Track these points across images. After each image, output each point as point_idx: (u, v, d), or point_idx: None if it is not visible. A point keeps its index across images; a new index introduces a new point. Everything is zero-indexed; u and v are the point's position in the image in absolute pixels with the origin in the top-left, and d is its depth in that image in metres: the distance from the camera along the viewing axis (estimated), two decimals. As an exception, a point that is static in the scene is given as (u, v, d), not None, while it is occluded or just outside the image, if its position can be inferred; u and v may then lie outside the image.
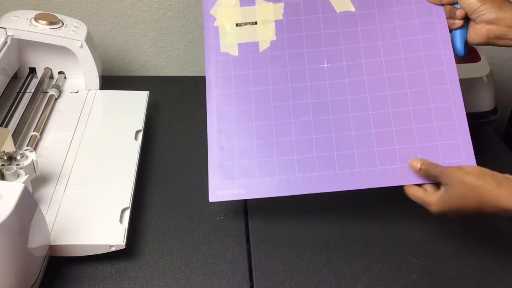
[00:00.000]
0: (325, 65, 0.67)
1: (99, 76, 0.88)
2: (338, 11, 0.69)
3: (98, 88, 0.88)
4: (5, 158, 0.63)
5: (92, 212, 0.64)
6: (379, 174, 0.63)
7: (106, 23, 1.01)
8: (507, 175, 0.58)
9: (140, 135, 0.79)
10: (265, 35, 0.69)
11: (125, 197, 0.67)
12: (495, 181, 0.56)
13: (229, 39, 0.69)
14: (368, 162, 0.63)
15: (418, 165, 0.62)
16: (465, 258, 0.66)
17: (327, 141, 0.64)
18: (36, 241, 0.55)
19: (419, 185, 0.62)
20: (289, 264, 0.64)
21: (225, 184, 0.64)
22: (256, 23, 0.69)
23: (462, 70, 0.85)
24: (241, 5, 0.70)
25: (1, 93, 0.80)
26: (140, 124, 0.80)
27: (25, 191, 0.52)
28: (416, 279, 0.63)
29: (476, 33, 0.67)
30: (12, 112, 0.79)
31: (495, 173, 0.58)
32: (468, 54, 0.88)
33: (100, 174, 0.70)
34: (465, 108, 0.84)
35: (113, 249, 0.60)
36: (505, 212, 0.55)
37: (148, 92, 0.88)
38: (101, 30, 1.02)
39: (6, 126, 0.75)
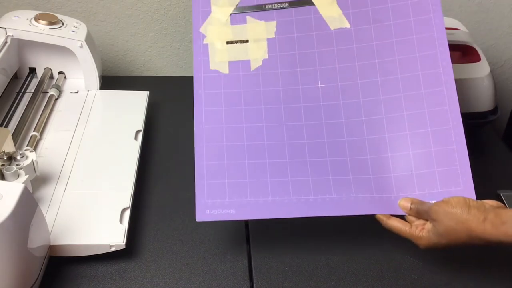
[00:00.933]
0: (319, 85, 0.65)
1: (99, 76, 0.88)
2: (332, 28, 0.67)
3: (98, 88, 0.88)
4: (5, 158, 0.63)
5: (92, 212, 0.64)
6: (375, 202, 0.61)
7: (106, 23, 1.01)
8: (493, 203, 0.58)
9: (140, 135, 0.79)
10: (256, 54, 0.66)
11: (125, 197, 0.67)
12: (481, 214, 0.55)
13: (219, 57, 0.66)
14: (364, 189, 0.61)
15: (408, 204, 0.60)
16: (465, 258, 0.66)
17: (322, 164, 0.61)
18: (36, 241, 0.55)
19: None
20: (289, 264, 0.64)
21: (214, 203, 0.61)
22: (247, 41, 0.67)
23: (462, 70, 0.86)
24: (232, 23, 0.68)
25: (1, 93, 0.80)
26: (140, 124, 0.80)
27: (25, 191, 0.52)
28: (416, 279, 0.63)
29: None
30: (12, 112, 0.79)
31: (481, 203, 0.57)
32: (468, 54, 0.89)
33: (100, 174, 0.70)
34: (465, 108, 0.84)
35: (113, 249, 0.60)
36: (493, 244, 0.55)
37: (148, 92, 0.88)
38: (101, 30, 1.02)
39: (6, 126, 0.75)
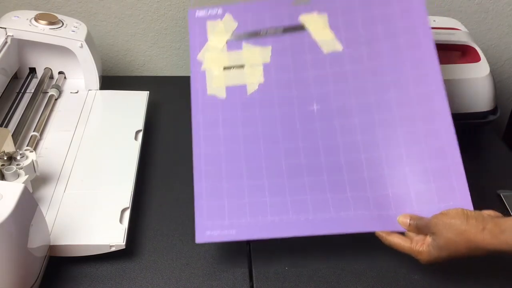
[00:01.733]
0: (315, 107, 0.65)
1: (99, 76, 0.88)
2: (326, 52, 0.68)
3: (98, 88, 0.88)
4: (5, 158, 0.63)
5: (92, 212, 0.64)
6: (375, 219, 0.61)
7: (106, 23, 1.01)
8: (490, 212, 0.58)
9: (140, 135, 0.79)
10: (253, 78, 0.68)
11: (125, 197, 0.67)
12: (480, 223, 0.55)
13: (216, 83, 0.67)
14: (363, 207, 0.61)
15: (407, 220, 0.60)
16: (466, 259, 0.66)
17: (320, 184, 0.61)
18: (36, 241, 0.55)
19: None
20: (289, 264, 0.64)
21: (214, 224, 0.61)
22: (243, 66, 0.68)
23: (462, 70, 0.86)
24: (228, 50, 0.69)
25: (1, 93, 0.80)
26: (140, 124, 0.81)
27: (25, 191, 0.52)
28: (416, 279, 0.63)
29: None
30: (12, 112, 0.79)
31: (479, 213, 0.57)
32: (468, 54, 0.89)
33: (100, 174, 0.70)
34: (465, 108, 0.84)
35: (113, 249, 0.60)
36: (493, 253, 0.55)
37: (148, 92, 0.88)
38: (101, 30, 1.02)
39: (6, 126, 0.75)
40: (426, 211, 0.60)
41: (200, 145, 0.64)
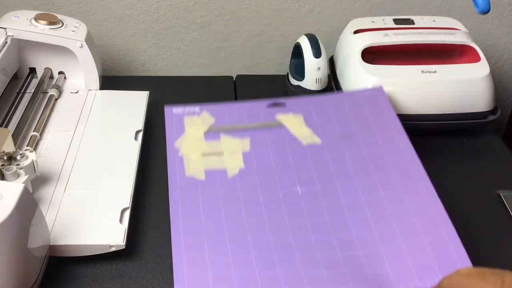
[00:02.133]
0: (298, 189, 0.64)
1: (99, 76, 0.88)
2: (304, 144, 0.70)
3: (98, 88, 0.88)
4: (5, 158, 0.63)
5: (92, 212, 0.64)
6: None
7: (106, 23, 1.01)
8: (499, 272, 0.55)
9: (140, 135, 0.79)
10: (233, 164, 0.67)
11: (125, 197, 0.67)
12: (497, 277, 0.49)
13: (194, 166, 0.67)
14: (363, 283, 0.56)
15: None
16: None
17: (313, 261, 0.57)
18: (36, 241, 0.55)
19: None
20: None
21: None
22: (222, 153, 0.68)
23: (462, 70, 0.86)
24: (206, 140, 0.70)
25: (1, 93, 0.80)
26: (140, 124, 0.81)
27: (25, 191, 0.52)
28: (416, 279, 0.63)
29: None
30: (12, 112, 0.79)
31: (493, 269, 0.51)
32: (468, 54, 0.89)
33: (100, 174, 0.70)
34: (465, 108, 0.84)
35: (113, 249, 0.60)
36: None
37: (148, 92, 0.88)
38: (101, 30, 1.02)
39: (6, 126, 0.75)
40: (429, 284, 0.57)
41: (179, 223, 0.60)
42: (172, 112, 0.74)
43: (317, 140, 0.70)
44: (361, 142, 0.69)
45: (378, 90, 0.77)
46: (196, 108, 0.74)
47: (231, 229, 0.60)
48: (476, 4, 0.73)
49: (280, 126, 0.72)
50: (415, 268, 0.58)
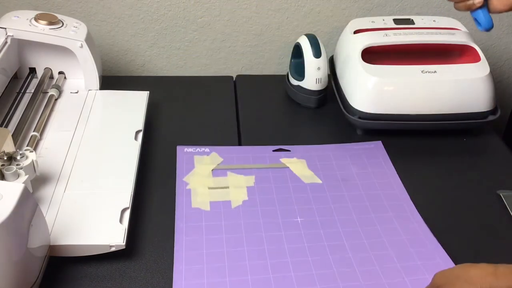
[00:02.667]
0: (299, 219, 0.69)
1: (99, 76, 0.88)
2: (306, 182, 0.76)
3: (98, 88, 0.88)
4: (5, 158, 0.63)
5: (92, 212, 0.64)
6: None
7: (106, 23, 1.01)
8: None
9: (140, 135, 0.79)
10: (237, 196, 0.73)
11: (125, 197, 0.67)
12: (491, 266, 0.50)
13: (201, 198, 0.72)
14: None
15: None
16: (466, 257, 0.66)
17: (310, 278, 0.61)
18: (36, 241, 0.55)
19: None
20: (289, 264, 0.64)
21: None
22: (228, 187, 0.74)
23: (462, 70, 0.86)
24: (213, 176, 0.76)
25: (1, 93, 0.80)
26: (140, 124, 0.81)
27: (25, 191, 0.52)
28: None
29: (500, 2, 0.71)
30: (12, 112, 0.79)
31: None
32: (468, 54, 0.89)
33: (100, 174, 0.70)
34: (465, 108, 0.84)
35: (113, 249, 0.60)
36: None
37: (148, 92, 0.88)
38: (101, 30, 1.02)
39: (6, 126, 0.75)
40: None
41: (182, 248, 0.64)
42: (184, 150, 0.81)
43: (318, 180, 0.77)
44: (359, 185, 0.76)
45: (377, 144, 0.85)
46: (206, 148, 0.81)
47: (231, 253, 0.64)
48: (478, 23, 0.74)
49: (284, 167, 0.79)
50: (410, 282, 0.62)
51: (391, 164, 0.81)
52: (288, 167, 0.78)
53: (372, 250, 0.65)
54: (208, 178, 0.75)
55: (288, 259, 0.63)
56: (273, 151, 0.82)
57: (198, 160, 0.79)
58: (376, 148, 0.84)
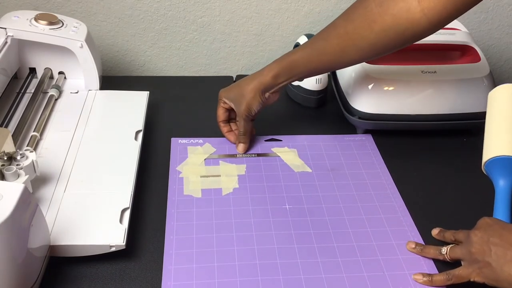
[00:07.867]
0: (287, 207, 0.71)
1: (99, 76, 0.88)
2: (296, 171, 0.78)
3: (98, 88, 0.88)
4: (5, 158, 0.63)
5: (92, 212, 0.64)
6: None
7: (106, 23, 1.01)
8: None
9: (140, 135, 0.79)
10: (228, 184, 0.75)
11: (125, 197, 0.67)
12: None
13: (193, 186, 0.74)
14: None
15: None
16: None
17: (294, 266, 0.63)
18: (36, 241, 0.55)
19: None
20: (289, 264, 0.64)
21: None
22: (219, 175, 0.76)
23: (462, 70, 0.86)
24: (206, 165, 0.78)
25: (1, 93, 0.80)
26: (140, 124, 0.81)
27: (25, 191, 0.52)
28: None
29: None
30: (12, 112, 0.79)
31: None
32: (468, 54, 0.89)
33: (100, 174, 0.70)
34: (465, 108, 0.84)
35: (113, 249, 0.60)
36: None
37: (148, 92, 0.88)
38: (101, 30, 1.02)
39: (6, 126, 0.75)
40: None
41: (173, 233, 0.66)
42: (178, 142, 0.82)
43: (308, 169, 0.79)
44: (347, 174, 0.78)
45: (367, 137, 0.86)
46: (199, 140, 0.83)
47: (220, 239, 0.65)
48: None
49: (275, 156, 0.81)
50: (389, 277, 0.63)
51: (380, 155, 0.82)
52: (279, 156, 0.81)
53: (356, 241, 0.67)
54: (200, 167, 0.77)
55: (275, 245, 0.65)
56: (265, 141, 0.84)
57: (191, 150, 0.81)
58: (367, 140, 0.86)
